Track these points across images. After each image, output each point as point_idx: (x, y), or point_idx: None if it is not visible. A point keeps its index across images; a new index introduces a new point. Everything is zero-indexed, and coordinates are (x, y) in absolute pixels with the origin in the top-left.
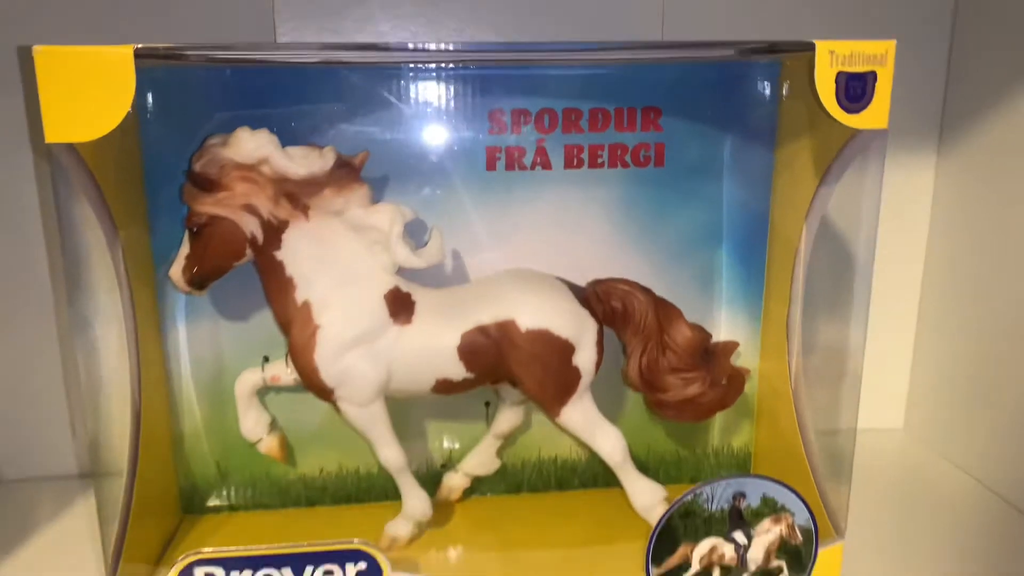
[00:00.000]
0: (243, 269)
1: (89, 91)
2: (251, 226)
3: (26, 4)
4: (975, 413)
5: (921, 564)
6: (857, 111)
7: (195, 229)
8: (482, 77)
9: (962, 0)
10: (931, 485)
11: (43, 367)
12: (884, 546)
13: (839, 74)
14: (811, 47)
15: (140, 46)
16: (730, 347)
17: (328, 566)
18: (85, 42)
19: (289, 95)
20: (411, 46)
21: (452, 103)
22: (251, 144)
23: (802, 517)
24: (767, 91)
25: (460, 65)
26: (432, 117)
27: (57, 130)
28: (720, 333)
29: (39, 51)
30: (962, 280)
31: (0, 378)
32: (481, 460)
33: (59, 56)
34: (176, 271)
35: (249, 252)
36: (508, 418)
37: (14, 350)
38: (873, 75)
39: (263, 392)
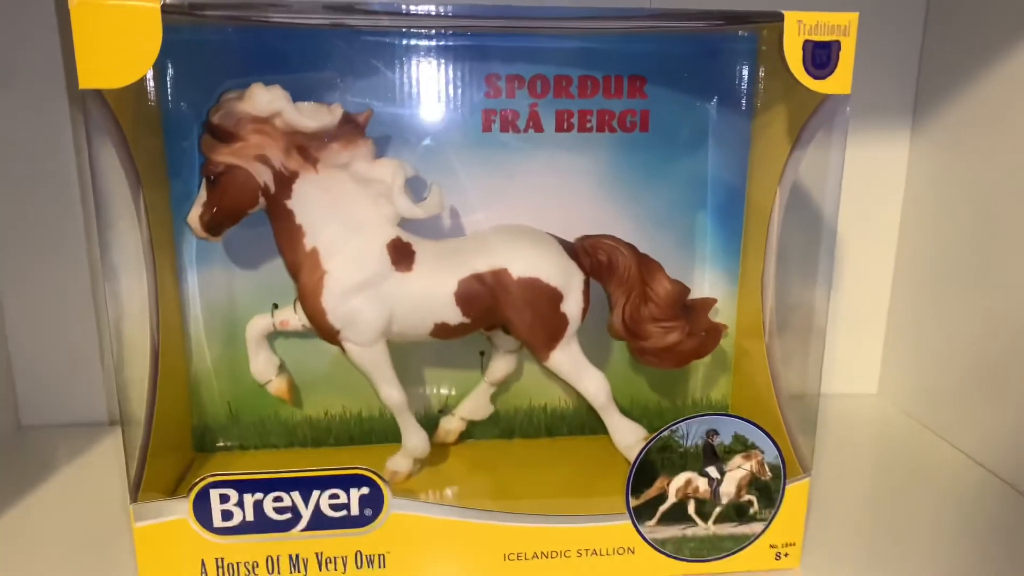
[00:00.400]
0: (255, 220)
1: (119, 41)
2: (264, 175)
3: None
4: (947, 379)
5: (887, 517)
6: (823, 77)
7: (212, 177)
8: (479, 45)
9: None
10: (901, 444)
11: (67, 317)
12: (852, 493)
13: (806, 42)
14: (780, 17)
15: (166, 2)
16: (708, 303)
17: (334, 490)
18: None
19: (295, 59)
20: (406, 9)
21: (451, 68)
22: (265, 98)
23: (771, 454)
24: (745, 62)
25: (458, 32)
26: (431, 81)
27: (90, 77)
28: (701, 291)
29: (75, 4)
30: (934, 251)
31: (24, 329)
32: (476, 406)
33: (93, 8)
34: (194, 216)
35: (262, 200)
36: (501, 366)
37: (41, 301)
38: (837, 44)
39: (272, 337)
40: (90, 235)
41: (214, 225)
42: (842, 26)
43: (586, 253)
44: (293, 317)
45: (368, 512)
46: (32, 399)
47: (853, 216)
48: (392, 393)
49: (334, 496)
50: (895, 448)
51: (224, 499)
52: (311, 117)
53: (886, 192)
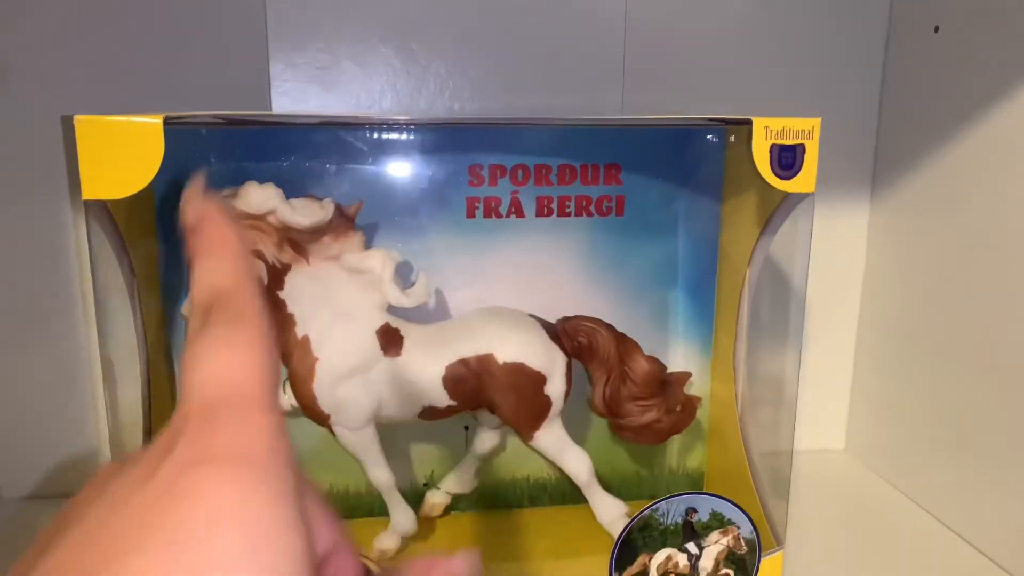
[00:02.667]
0: None
1: (122, 155)
2: (257, 269)
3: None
4: (911, 435)
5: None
6: (788, 178)
7: None
8: (463, 135)
9: (889, 63)
10: (868, 503)
11: (54, 390)
12: (823, 561)
13: (773, 146)
14: (749, 123)
15: (168, 115)
16: (683, 377)
17: None
18: (99, 99)
19: (285, 153)
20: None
21: (436, 159)
22: (260, 196)
23: (747, 529)
24: (714, 152)
25: (444, 126)
26: (418, 171)
27: (93, 188)
28: (675, 364)
29: (80, 120)
30: (895, 312)
31: (11, 404)
32: (461, 479)
33: (97, 125)
34: (188, 309)
35: None
36: (486, 441)
37: (32, 380)
38: (802, 147)
39: None
40: (79, 317)
41: None
42: (805, 130)
43: (567, 335)
44: (283, 399)
45: None
46: (12, 472)
47: (817, 279)
48: (380, 475)
49: None
50: (863, 507)
51: None
52: (305, 214)
53: (848, 257)
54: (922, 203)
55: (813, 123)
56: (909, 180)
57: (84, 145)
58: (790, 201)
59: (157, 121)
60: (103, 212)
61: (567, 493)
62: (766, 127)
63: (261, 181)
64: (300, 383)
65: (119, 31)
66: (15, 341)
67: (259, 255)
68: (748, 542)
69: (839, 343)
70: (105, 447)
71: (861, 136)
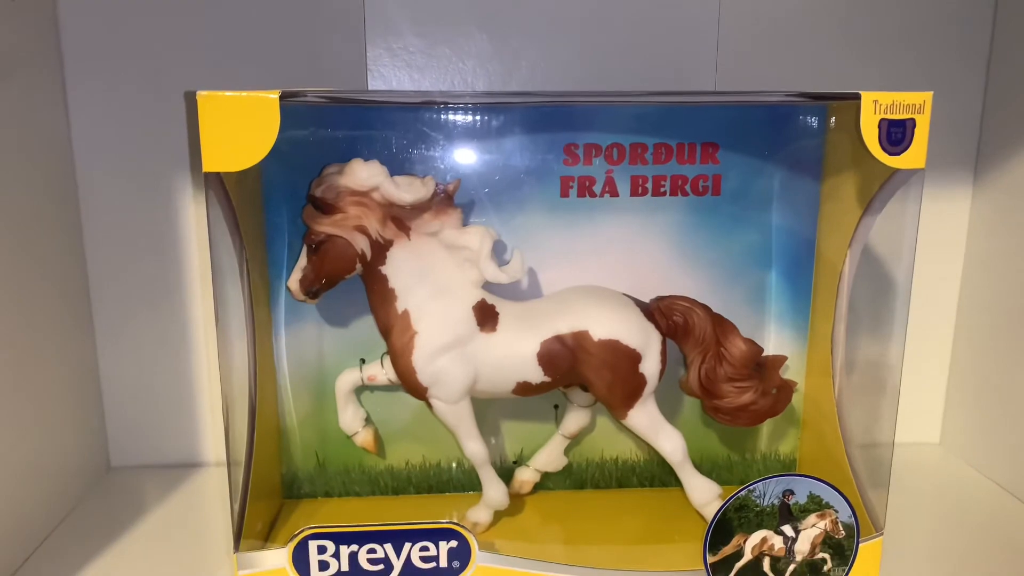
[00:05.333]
0: (344, 283)
1: (240, 129)
2: (362, 244)
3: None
4: (1009, 429)
5: (955, 570)
6: (897, 153)
7: (313, 246)
8: (558, 114)
9: (997, 44)
10: (966, 496)
11: (160, 363)
12: (921, 551)
13: (881, 121)
14: (857, 97)
15: (284, 91)
16: (779, 360)
17: (424, 543)
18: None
19: (387, 133)
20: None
21: (531, 138)
22: (364, 173)
23: (845, 514)
24: (814, 129)
25: (540, 105)
26: (514, 150)
27: (214, 161)
28: (769, 348)
29: (203, 96)
30: (996, 302)
31: (118, 373)
32: (550, 458)
33: (218, 101)
34: (294, 281)
35: (358, 266)
36: (575, 420)
37: (139, 347)
38: (912, 122)
39: (359, 390)
40: (188, 289)
41: (313, 290)
42: (916, 104)
43: (662, 314)
44: (380, 372)
45: (456, 564)
46: (121, 440)
47: (916, 267)
48: (475, 447)
49: (424, 548)
50: (960, 501)
51: (321, 550)
52: (407, 191)
53: (949, 243)
54: None
55: (924, 96)
56: (1015, 163)
57: (206, 119)
58: (896, 179)
59: (274, 96)
60: (219, 186)
61: (656, 475)
62: (875, 101)
63: (365, 158)
64: (400, 356)
65: (230, 17)
66: (124, 314)
67: (363, 231)
68: (846, 527)
69: (935, 334)
70: (211, 418)
71: (965, 117)
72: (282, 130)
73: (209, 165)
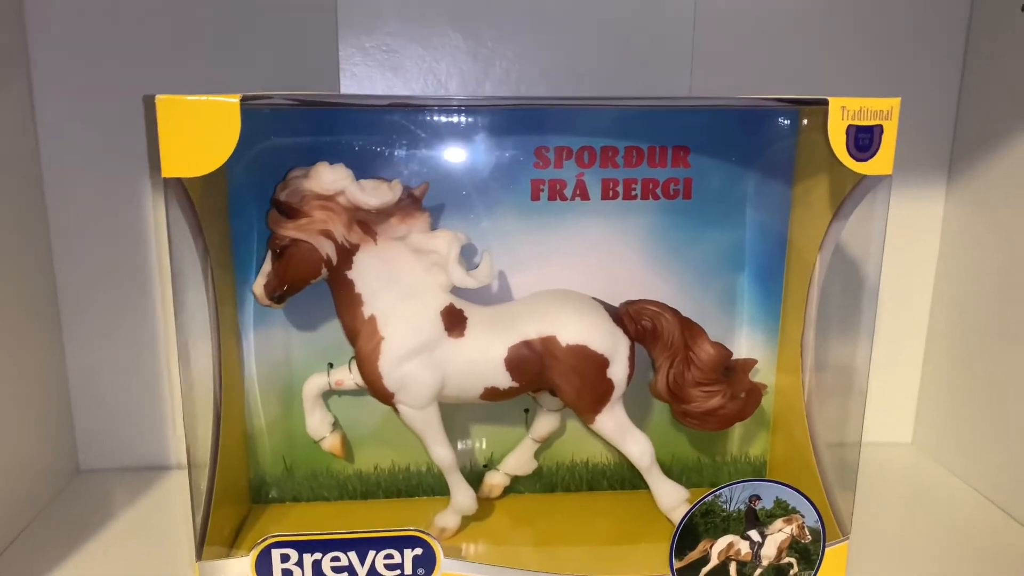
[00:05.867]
0: (311, 287)
1: (200, 134)
2: (327, 249)
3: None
4: (981, 429)
5: (924, 572)
6: (865, 159)
7: (278, 250)
8: (528, 117)
9: (971, 47)
10: (937, 497)
11: (129, 366)
12: (889, 554)
13: (849, 127)
14: (824, 103)
15: (245, 95)
16: (749, 364)
17: (389, 550)
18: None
19: (350, 132)
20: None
21: (501, 141)
22: (330, 177)
23: (811, 518)
24: (786, 134)
25: (509, 108)
26: (484, 153)
27: (173, 166)
28: (740, 351)
29: (161, 100)
30: (968, 303)
31: (86, 376)
32: (519, 461)
33: (176, 105)
34: (259, 286)
35: (324, 271)
36: (545, 424)
37: (107, 350)
38: (880, 128)
39: (327, 395)
40: (156, 293)
41: (278, 295)
42: (884, 111)
43: (631, 318)
44: (348, 377)
45: (421, 572)
46: (90, 443)
47: (889, 268)
48: (443, 453)
49: (389, 556)
50: (930, 501)
51: (284, 559)
52: (374, 195)
53: (922, 245)
54: (1002, 191)
55: (892, 103)
56: (988, 167)
57: (164, 124)
58: (865, 185)
59: (234, 101)
60: (180, 190)
61: (626, 478)
62: (843, 107)
63: (331, 162)
64: (366, 361)
65: (195, 16)
66: (92, 317)
67: (328, 235)
68: (812, 531)
69: (908, 334)
70: (180, 421)
71: (938, 122)
72: (251, 134)
73: (168, 170)
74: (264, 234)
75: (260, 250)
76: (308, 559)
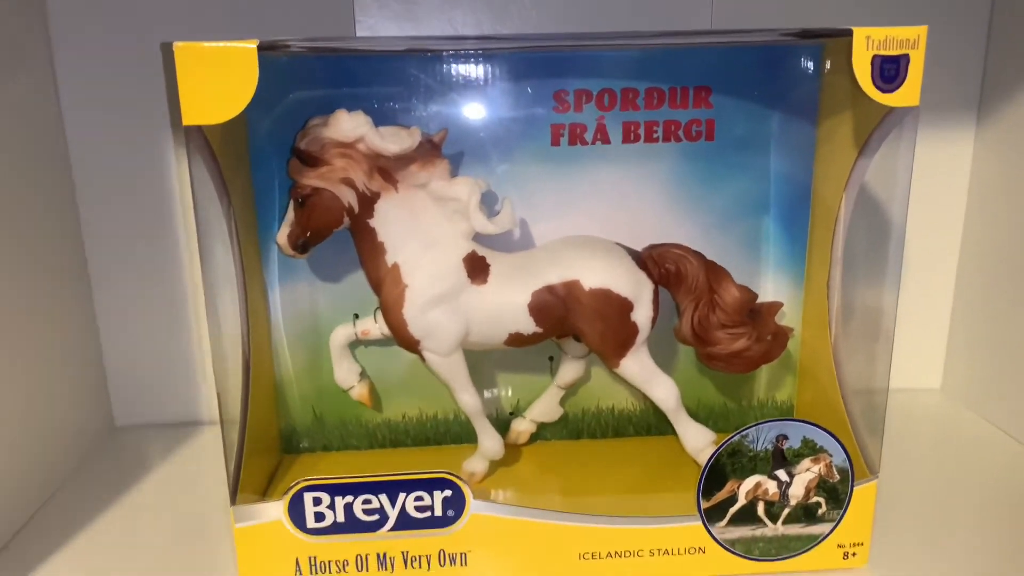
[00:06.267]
0: (335, 236)
1: (219, 81)
2: (348, 197)
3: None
4: (1011, 374)
5: (954, 514)
6: (891, 91)
7: (300, 200)
8: (547, 60)
9: None
10: (966, 441)
11: (160, 323)
12: (920, 496)
13: (874, 57)
14: (849, 33)
15: (262, 41)
16: (775, 307)
17: (419, 492)
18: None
19: (368, 79)
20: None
21: (520, 85)
22: (349, 124)
23: (839, 458)
24: (810, 70)
25: (528, 51)
26: (501, 98)
27: (193, 114)
28: (765, 295)
29: (180, 47)
30: (998, 247)
31: (118, 335)
32: (545, 408)
33: (195, 52)
34: (282, 236)
35: (346, 220)
36: (570, 371)
37: (138, 308)
38: (906, 58)
39: (354, 345)
40: (183, 248)
41: (302, 244)
42: (910, 40)
43: (654, 262)
44: (373, 327)
45: (451, 513)
46: (125, 400)
47: (917, 211)
48: (469, 399)
49: (419, 498)
50: (960, 444)
51: (317, 502)
52: (393, 141)
53: (951, 187)
54: None
55: (919, 31)
56: (1019, 103)
57: (183, 71)
58: (892, 118)
59: (252, 46)
60: (202, 141)
61: (652, 424)
62: (867, 37)
63: (350, 109)
64: (390, 310)
65: None
66: (121, 274)
67: (349, 183)
68: (840, 471)
69: (937, 280)
70: (211, 376)
71: (967, 55)
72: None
73: (189, 118)
74: (286, 186)
75: (283, 202)
76: (340, 502)
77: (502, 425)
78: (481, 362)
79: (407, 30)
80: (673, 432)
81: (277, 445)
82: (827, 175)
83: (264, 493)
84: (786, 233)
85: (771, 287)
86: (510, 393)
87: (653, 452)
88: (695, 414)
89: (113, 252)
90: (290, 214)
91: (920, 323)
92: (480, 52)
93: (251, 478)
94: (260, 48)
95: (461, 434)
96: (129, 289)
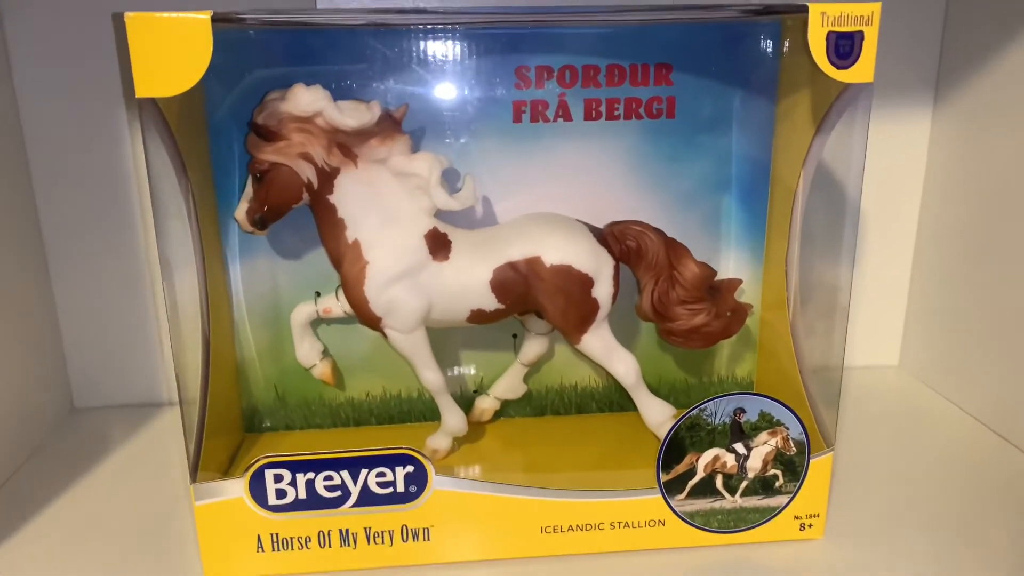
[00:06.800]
0: (294, 213)
1: (172, 52)
2: (307, 172)
3: None
4: (968, 350)
5: (908, 487)
6: (846, 67)
7: (258, 175)
8: (509, 36)
9: None
10: (923, 416)
11: (117, 301)
12: (876, 469)
13: (829, 33)
14: (804, 9)
15: (215, 12)
16: (734, 284)
17: (381, 468)
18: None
19: (330, 56)
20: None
21: (482, 61)
22: (307, 98)
23: (796, 431)
24: (769, 48)
25: (488, 26)
26: (463, 74)
27: (146, 86)
28: (725, 272)
29: (131, 17)
30: (955, 224)
31: (76, 315)
32: (509, 385)
33: (147, 22)
34: (241, 212)
35: (305, 196)
36: (534, 348)
37: (96, 287)
38: (860, 34)
39: (316, 323)
40: (140, 226)
41: (260, 221)
42: (865, 16)
43: (615, 239)
44: (335, 305)
45: (413, 489)
46: (84, 382)
47: (875, 190)
48: (432, 376)
49: (381, 475)
50: (916, 419)
51: (278, 479)
52: (352, 116)
53: (908, 165)
54: (990, 109)
55: (873, 7)
56: (977, 84)
57: (136, 42)
58: (847, 95)
59: (205, 17)
60: (156, 112)
61: (614, 401)
62: (823, 13)
63: (308, 84)
64: (352, 287)
65: None
66: (78, 255)
67: (308, 158)
68: (797, 443)
69: (895, 257)
70: (171, 356)
71: (925, 34)
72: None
73: (142, 90)
74: (246, 161)
75: (243, 179)
76: (301, 479)
77: (466, 403)
78: (445, 340)
79: (367, 3)
80: (635, 409)
81: (239, 425)
82: (786, 153)
83: (226, 472)
84: (746, 209)
85: (732, 265)
86: (474, 371)
87: (615, 428)
88: (656, 390)
89: (70, 231)
90: (248, 190)
91: (878, 301)
92: (442, 27)
93: (212, 457)
94: (215, 20)
95: (425, 412)
96: (87, 269)
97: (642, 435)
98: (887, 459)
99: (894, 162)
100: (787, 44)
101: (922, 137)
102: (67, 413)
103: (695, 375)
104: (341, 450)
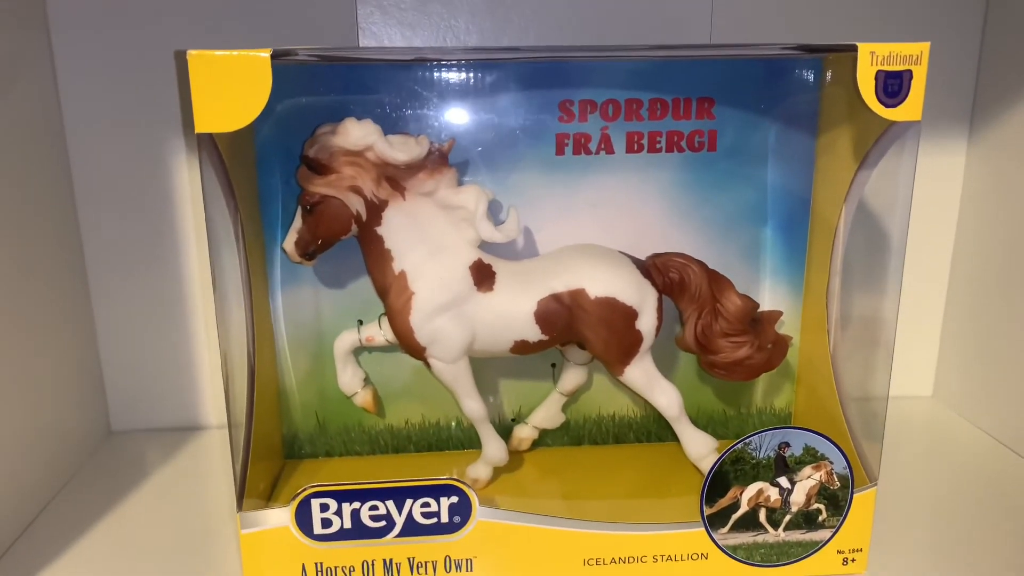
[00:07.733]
0: (340, 245)
1: (232, 89)
2: (356, 204)
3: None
4: (1002, 381)
5: (949, 520)
6: (894, 105)
7: (308, 207)
8: (553, 70)
9: None
10: (959, 447)
11: (158, 328)
12: (916, 502)
13: (878, 72)
14: (853, 48)
15: (275, 49)
16: (775, 315)
17: (426, 499)
18: (204, 44)
19: (378, 90)
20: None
21: (526, 95)
22: (358, 132)
23: (839, 465)
24: (811, 82)
25: (534, 61)
26: (508, 108)
27: (205, 122)
28: (764, 304)
29: (193, 55)
30: (989, 258)
31: (116, 339)
32: (547, 415)
33: (208, 60)
34: (290, 243)
35: (354, 227)
36: (572, 378)
37: (136, 312)
38: (909, 73)
39: (358, 351)
40: (179, 252)
41: (309, 252)
42: (913, 56)
43: (658, 271)
44: (378, 333)
45: (457, 519)
46: (121, 405)
47: (911, 221)
48: (473, 406)
49: (426, 504)
50: (953, 451)
51: (324, 508)
52: (401, 150)
53: (944, 198)
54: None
55: (922, 47)
56: (1010, 116)
57: (196, 79)
58: (893, 132)
59: (265, 55)
60: (212, 147)
61: (652, 431)
62: (872, 52)
63: (357, 117)
64: (397, 317)
65: None
66: (120, 279)
67: (358, 191)
68: (841, 478)
69: (929, 288)
70: (210, 381)
71: (961, 69)
72: (276, 92)
73: (202, 126)
74: (290, 192)
75: (287, 208)
76: (347, 508)
77: (504, 431)
78: (484, 369)
79: (409, 37)
80: (673, 438)
81: (280, 451)
82: (826, 186)
83: (268, 499)
84: (785, 242)
85: (770, 296)
86: (512, 400)
87: (654, 458)
88: (695, 421)
89: (110, 256)
90: (298, 221)
91: (913, 331)
92: (487, 61)
93: (255, 484)
94: (272, 57)
95: (463, 440)
96: (126, 294)
97: (679, 465)
98: (926, 491)
99: (929, 194)
100: (828, 77)
101: (957, 170)
102: (104, 436)
103: (733, 406)
104: (386, 480)
